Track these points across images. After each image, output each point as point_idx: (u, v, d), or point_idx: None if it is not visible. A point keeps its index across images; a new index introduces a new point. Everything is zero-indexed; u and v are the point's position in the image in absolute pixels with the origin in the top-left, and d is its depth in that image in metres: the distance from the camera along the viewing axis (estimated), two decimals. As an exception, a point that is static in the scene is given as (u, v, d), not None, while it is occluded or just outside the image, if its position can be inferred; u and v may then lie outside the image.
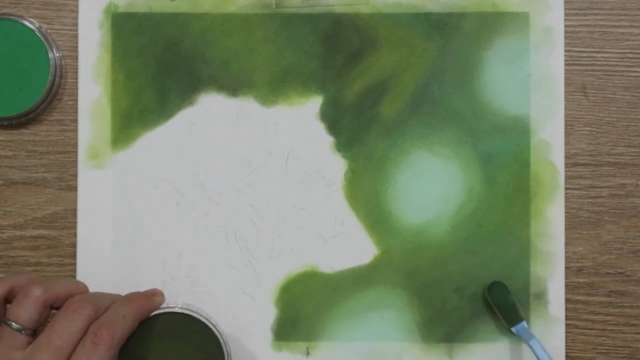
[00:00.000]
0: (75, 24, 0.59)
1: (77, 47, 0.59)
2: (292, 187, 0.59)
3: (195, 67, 0.59)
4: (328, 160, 0.59)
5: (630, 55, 0.59)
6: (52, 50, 0.58)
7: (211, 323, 0.52)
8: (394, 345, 0.58)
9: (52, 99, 0.59)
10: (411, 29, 0.59)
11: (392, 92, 0.59)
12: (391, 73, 0.59)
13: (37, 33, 0.58)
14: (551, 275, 0.58)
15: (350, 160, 0.59)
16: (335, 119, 0.59)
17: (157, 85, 0.59)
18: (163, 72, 0.59)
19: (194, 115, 0.59)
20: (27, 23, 0.58)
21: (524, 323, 0.56)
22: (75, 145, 0.59)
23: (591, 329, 0.59)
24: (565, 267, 0.58)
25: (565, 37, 0.59)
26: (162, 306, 0.53)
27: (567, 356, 0.58)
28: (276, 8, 0.59)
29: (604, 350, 0.59)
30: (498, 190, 0.58)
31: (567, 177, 0.59)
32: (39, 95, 0.58)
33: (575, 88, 0.59)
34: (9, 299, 0.52)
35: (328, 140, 0.59)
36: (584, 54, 0.59)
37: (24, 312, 0.50)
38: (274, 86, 0.59)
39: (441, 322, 0.58)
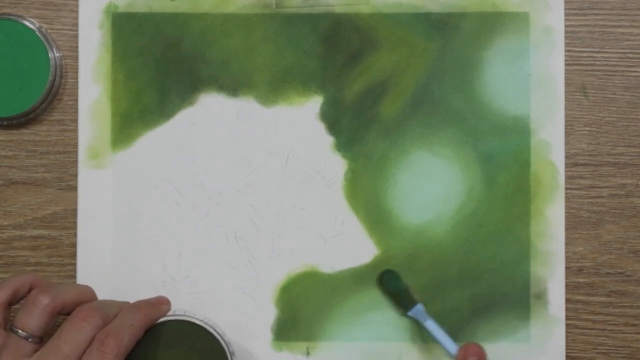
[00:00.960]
0: (75, 24, 0.59)
1: (77, 47, 0.59)
2: (292, 187, 0.59)
3: (195, 67, 0.59)
4: (328, 160, 0.59)
5: (630, 55, 0.59)
6: (52, 50, 0.58)
7: (217, 332, 0.52)
8: (394, 345, 0.58)
9: (52, 99, 0.59)
10: (411, 29, 0.59)
11: (392, 92, 0.59)
12: (391, 73, 0.59)
13: (37, 33, 0.58)
14: (551, 275, 0.58)
15: (350, 160, 0.59)
16: (335, 119, 0.59)
17: (157, 85, 0.59)
18: (163, 72, 0.59)
19: (194, 115, 0.59)
20: (27, 23, 0.58)
21: (420, 306, 0.57)
22: (75, 145, 0.59)
23: (591, 329, 0.59)
24: (566, 267, 0.58)
25: (565, 37, 0.59)
26: (169, 313, 0.53)
27: (567, 356, 0.58)
28: (276, 8, 0.59)
29: (604, 351, 0.59)
30: (498, 190, 0.58)
31: (567, 177, 0.59)
32: (39, 95, 0.58)
33: (575, 88, 0.59)
34: (12, 301, 0.52)
35: (328, 140, 0.59)
36: (584, 54, 0.59)
37: (32, 320, 0.50)
38: (274, 86, 0.59)
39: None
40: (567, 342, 0.58)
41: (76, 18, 0.59)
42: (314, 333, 0.58)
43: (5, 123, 0.58)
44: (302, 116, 0.59)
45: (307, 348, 0.58)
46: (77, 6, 0.59)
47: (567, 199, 0.59)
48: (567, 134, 0.59)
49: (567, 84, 0.59)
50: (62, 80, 0.59)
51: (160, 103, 0.59)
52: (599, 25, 0.59)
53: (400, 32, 0.59)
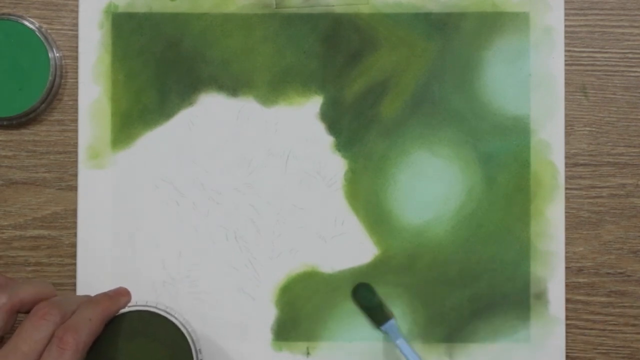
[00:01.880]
0: (75, 24, 0.59)
1: (77, 47, 0.59)
2: (292, 187, 0.59)
3: (195, 67, 0.59)
4: (328, 160, 0.59)
5: (630, 55, 0.59)
6: (52, 50, 0.58)
7: (179, 320, 0.52)
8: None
9: (52, 99, 0.59)
10: (411, 29, 0.59)
11: (392, 92, 0.59)
12: (391, 73, 0.59)
13: (37, 33, 0.58)
14: (551, 275, 0.58)
15: (350, 160, 0.59)
16: (335, 119, 0.59)
17: (157, 85, 0.59)
18: (163, 72, 0.59)
19: (194, 115, 0.59)
20: (27, 23, 0.58)
21: (392, 321, 0.57)
22: (75, 145, 0.59)
23: (591, 329, 0.59)
24: (566, 267, 0.58)
25: (565, 37, 0.59)
26: (130, 304, 0.53)
27: (567, 356, 0.58)
28: (276, 8, 0.59)
29: (604, 351, 0.59)
30: (498, 190, 0.58)
31: (567, 177, 0.59)
32: (39, 95, 0.58)
33: (575, 88, 0.59)
34: None
35: (328, 140, 0.59)
36: (584, 54, 0.59)
37: None
38: (274, 86, 0.59)
39: (441, 322, 0.58)
40: (567, 342, 0.58)
41: (76, 18, 0.59)
42: (314, 333, 0.58)
43: (5, 123, 0.58)
44: (302, 116, 0.59)
45: (307, 348, 0.58)
46: (77, 6, 0.59)
47: (567, 199, 0.59)
48: (567, 134, 0.59)
49: (567, 84, 0.59)
50: (62, 80, 0.59)
51: (160, 103, 0.59)
52: (599, 25, 0.59)
53: (400, 32, 0.59)
